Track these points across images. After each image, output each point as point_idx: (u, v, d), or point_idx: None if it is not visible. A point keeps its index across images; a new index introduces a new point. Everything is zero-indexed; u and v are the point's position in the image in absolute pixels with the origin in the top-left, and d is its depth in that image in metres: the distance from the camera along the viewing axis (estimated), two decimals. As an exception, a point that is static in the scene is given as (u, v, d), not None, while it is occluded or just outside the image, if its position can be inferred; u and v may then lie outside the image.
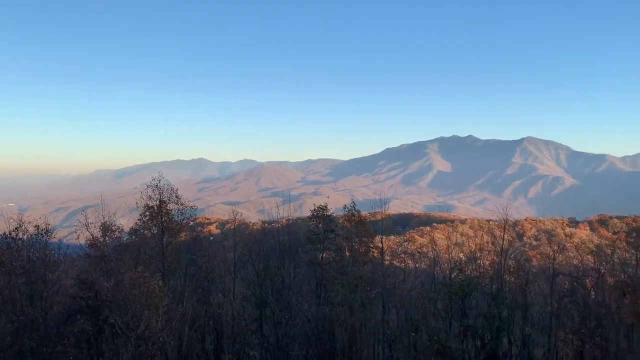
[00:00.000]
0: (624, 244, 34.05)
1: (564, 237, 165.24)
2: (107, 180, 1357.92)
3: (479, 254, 39.00)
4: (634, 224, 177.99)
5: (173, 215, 36.91)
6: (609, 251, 36.78)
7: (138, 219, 37.04)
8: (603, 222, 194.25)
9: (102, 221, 36.05)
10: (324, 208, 39.73)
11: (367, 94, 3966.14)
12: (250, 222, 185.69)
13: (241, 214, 49.71)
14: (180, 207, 37.21)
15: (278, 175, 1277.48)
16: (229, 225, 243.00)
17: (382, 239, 40.45)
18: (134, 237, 38.89)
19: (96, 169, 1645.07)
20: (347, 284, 33.48)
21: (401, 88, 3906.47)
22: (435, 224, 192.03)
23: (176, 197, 36.84)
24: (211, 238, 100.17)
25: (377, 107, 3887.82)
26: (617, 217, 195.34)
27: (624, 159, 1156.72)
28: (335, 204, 52.46)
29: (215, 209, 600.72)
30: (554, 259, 33.79)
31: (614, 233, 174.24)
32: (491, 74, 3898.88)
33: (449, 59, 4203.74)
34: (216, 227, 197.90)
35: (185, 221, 37.79)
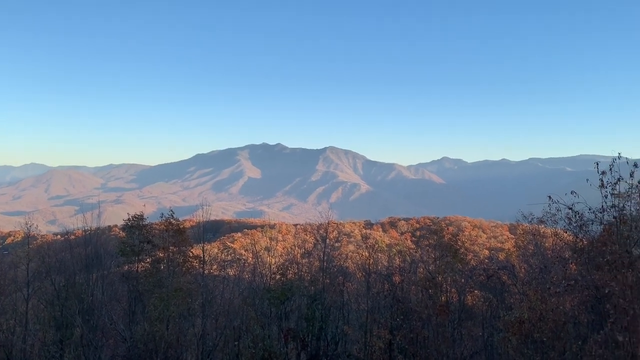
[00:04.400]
0: (427, 242, 38.29)
1: (360, 238, 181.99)
2: None
3: (299, 258, 39.91)
4: (417, 224, 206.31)
5: None
6: (414, 251, 41.23)
7: None
8: (393, 223, 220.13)
9: None
10: (139, 217, 36.25)
11: (176, 97, 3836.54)
12: (38, 234, 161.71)
13: (31, 225, 42.30)
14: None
15: (73, 181, 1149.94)
16: (11, 238, 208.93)
17: (203, 247, 38.57)
18: None
19: None
20: (166, 296, 30.98)
21: (213, 94, 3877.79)
22: (246, 230, 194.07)
23: None
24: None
25: (188, 112, 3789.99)
26: (404, 219, 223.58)
27: (409, 167, 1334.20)
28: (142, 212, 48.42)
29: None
30: (369, 259, 36.24)
31: (402, 233, 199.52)
32: (299, 83, 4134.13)
33: (261, 66, 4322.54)
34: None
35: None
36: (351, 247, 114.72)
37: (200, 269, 38.31)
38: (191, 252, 38.46)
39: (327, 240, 39.17)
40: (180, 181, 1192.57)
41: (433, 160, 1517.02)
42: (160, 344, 29.77)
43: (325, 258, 38.07)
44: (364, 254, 40.45)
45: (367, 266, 35.86)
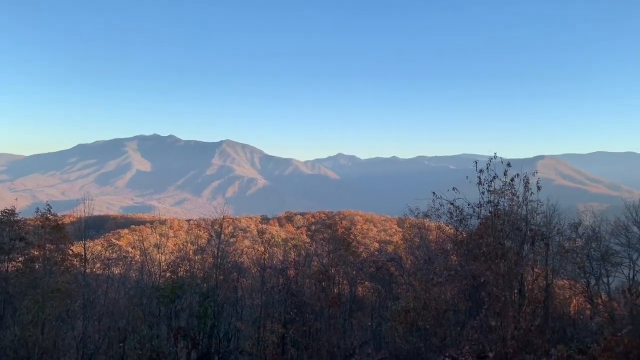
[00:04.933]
0: (321, 236, 38.96)
1: (256, 233, 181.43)
2: None
3: (192, 254, 38.67)
4: (313, 219, 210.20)
5: None
6: (309, 245, 41.75)
7: None
8: (289, 218, 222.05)
9: None
10: (10, 212, 32.57)
11: (54, 80, 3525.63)
12: None
13: None
14: None
15: None
16: None
17: (85, 244, 35.78)
18: None
19: None
20: (41, 298, 28.40)
21: (97, 79, 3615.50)
22: (134, 226, 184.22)
23: None
24: None
25: (68, 97, 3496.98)
26: (300, 214, 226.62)
27: (305, 163, 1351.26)
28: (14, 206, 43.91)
29: None
30: (265, 254, 36.08)
31: (297, 228, 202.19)
32: (195, 74, 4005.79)
33: (152, 54, 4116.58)
34: None
35: None
36: (247, 243, 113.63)
37: (82, 268, 35.62)
38: (71, 249, 35.61)
39: (222, 235, 38.41)
40: (59, 173, 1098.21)
41: (329, 156, 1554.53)
42: (33, 350, 27.35)
43: (220, 254, 37.29)
44: (259, 249, 40.26)
45: (262, 261, 35.72)
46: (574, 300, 29.04)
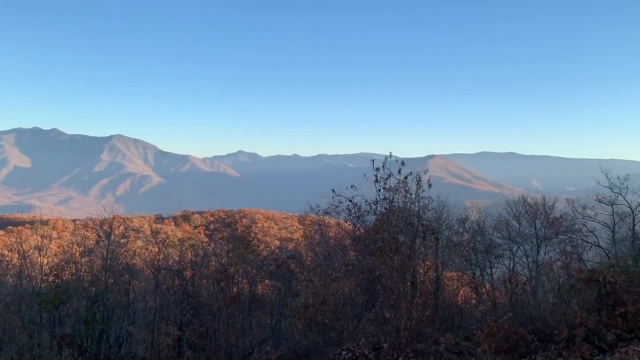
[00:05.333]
0: (220, 235, 38.07)
1: (150, 233, 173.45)
2: None
3: (78, 257, 35.85)
4: (212, 217, 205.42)
5: None
6: (207, 245, 40.55)
7: None
8: (186, 217, 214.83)
9: None
10: None
11: None
12: None
13: None
14: None
15: None
16: None
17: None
18: None
19: None
20: None
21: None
22: (10, 227, 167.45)
23: None
24: None
25: None
26: (198, 213, 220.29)
27: (204, 160, 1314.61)
28: None
29: None
30: (159, 254, 34.52)
31: (195, 227, 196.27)
32: (82, 64, 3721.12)
33: (34, 38, 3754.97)
34: None
35: None
36: (140, 243, 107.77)
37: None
38: None
39: (112, 236, 36.09)
40: None
41: (229, 154, 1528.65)
42: None
43: (110, 256, 35.06)
44: (153, 249, 38.46)
45: (156, 262, 34.14)
46: (461, 290, 31.09)
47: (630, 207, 28.83)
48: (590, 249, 30.37)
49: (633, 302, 17.41)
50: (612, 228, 29.66)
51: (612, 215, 29.69)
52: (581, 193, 38.48)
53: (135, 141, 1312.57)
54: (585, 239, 30.35)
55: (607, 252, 29.05)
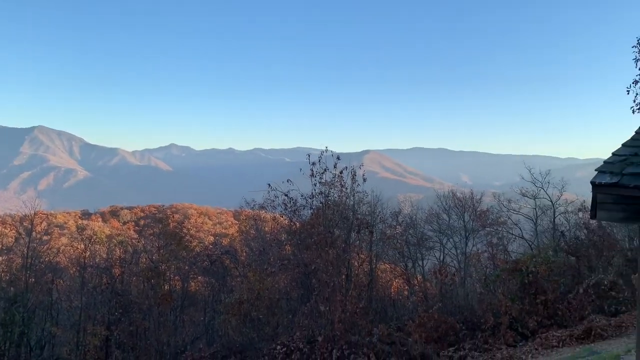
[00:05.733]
0: (151, 231, 36.73)
1: (76, 229, 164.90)
2: None
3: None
4: (142, 213, 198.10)
5: None
6: (137, 241, 38.94)
7: None
8: (115, 213, 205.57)
9: None
10: None
11: None
12: None
13: None
14: None
15: None
16: None
17: None
18: None
19: None
20: None
21: None
22: None
23: None
24: None
25: None
26: (128, 208, 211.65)
27: (134, 153, 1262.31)
28: None
29: None
30: (85, 252, 32.88)
31: (124, 223, 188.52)
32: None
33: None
34: None
35: None
36: (64, 240, 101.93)
37: None
38: None
39: (34, 233, 34.06)
40: None
41: (160, 147, 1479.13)
42: None
43: (31, 254, 33.04)
44: (79, 246, 36.59)
45: (82, 260, 32.50)
46: (394, 282, 31.92)
47: (551, 201, 30.83)
48: (514, 241, 32.18)
49: (553, 290, 18.63)
50: (534, 220, 31.58)
51: (535, 209, 31.62)
52: (507, 187, 40.60)
53: (60, 133, 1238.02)
54: (510, 231, 32.12)
55: (530, 243, 30.90)
